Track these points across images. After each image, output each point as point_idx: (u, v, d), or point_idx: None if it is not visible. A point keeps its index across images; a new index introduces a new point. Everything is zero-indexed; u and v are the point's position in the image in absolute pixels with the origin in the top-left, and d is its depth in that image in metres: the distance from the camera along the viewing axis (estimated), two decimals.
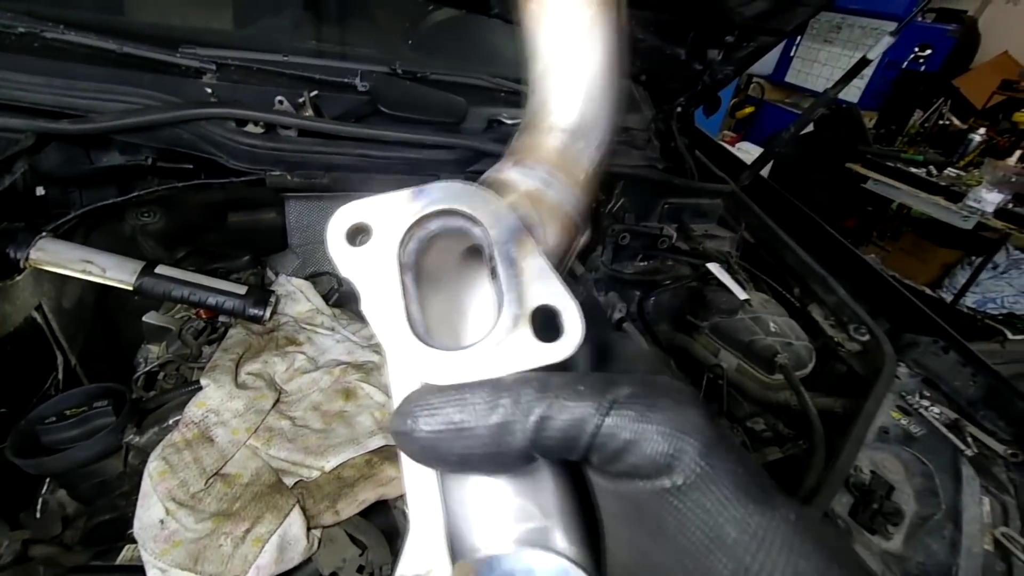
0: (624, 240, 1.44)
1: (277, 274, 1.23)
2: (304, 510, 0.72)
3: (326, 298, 1.21)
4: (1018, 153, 4.03)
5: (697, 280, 1.45)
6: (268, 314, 0.99)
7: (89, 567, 0.65)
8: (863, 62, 1.51)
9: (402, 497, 0.80)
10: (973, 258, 4.14)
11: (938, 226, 4.01)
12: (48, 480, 0.78)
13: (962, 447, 1.02)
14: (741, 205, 1.73)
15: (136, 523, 0.66)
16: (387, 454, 0.82)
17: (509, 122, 1.49)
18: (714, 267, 1.43)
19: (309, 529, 0.71)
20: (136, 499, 0.75)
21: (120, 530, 0.74)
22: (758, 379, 1.28)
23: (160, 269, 0.96)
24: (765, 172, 1.91)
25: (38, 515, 0.75)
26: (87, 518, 0.76)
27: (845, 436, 1.02)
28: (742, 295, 1.39)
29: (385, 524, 0.80)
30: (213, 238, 1.38)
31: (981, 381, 1.17)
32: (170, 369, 0.91)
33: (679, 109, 1.80)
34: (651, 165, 1.58)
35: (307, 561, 0.70)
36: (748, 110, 5.98)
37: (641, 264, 1.51)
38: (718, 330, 1.34)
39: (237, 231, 1.39)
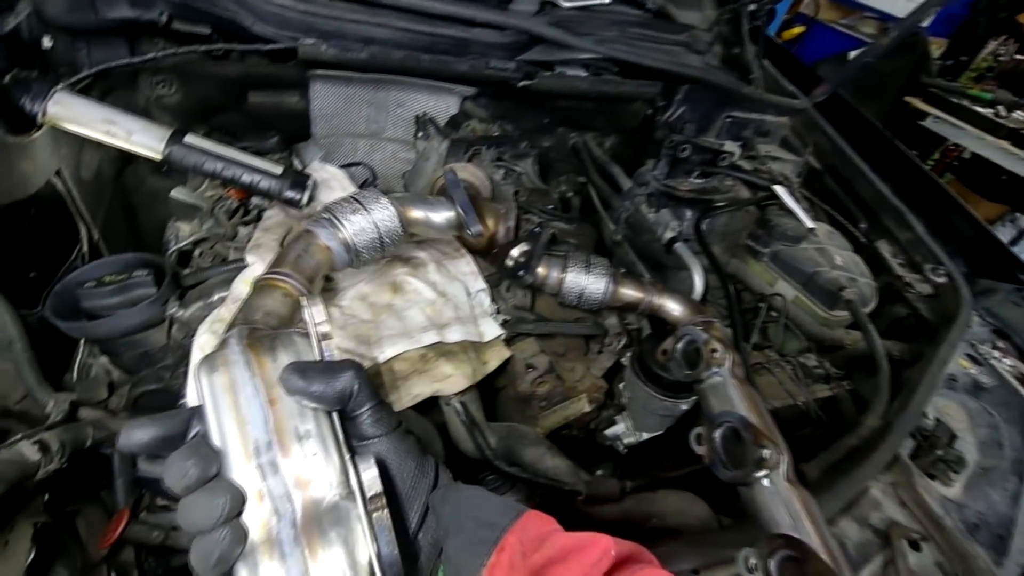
0: (684, 152, 1.37)
1: (303, 164, 1.18)
2: None
3: (361, 186, 1.16)
4: None
5: (758, 204, 1.39)
6: (306, 198, 0.95)
7: (135, 405, 0.66)
8: None
9: (457, 395, 0.81)
10: (1018, 215, 4.00)
11: (986, 176, 3.83)
12: (84, 343, 0.78)
13: None
14: (811, 125, 1.63)
15: (188, 394, 0.66)
16: (442, 350, 0.81)
17: (565, 5, 1.37)
18: (781, 190, 1.37)
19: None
20: (182, 371, 0.75)
21: (164, 400, 0.75)
22: (816, 313, 1.26)
23: (190, 139, 0.90)
24: None
25: (77, 376, 0.75)
26: (131, 387, 0.77)
27: (911, 381, 1.01)
28: (808, 223, 1.33)
29: (439, 420, 0.82)
30: (232, 118, 1.31)
31: None
32: (205, 247, 0.88)
33: (752, 6, 1.65)
34: (712, 71, 1.47)
35: None
36: (797, 31, 5.53)
37: (697, 181, 1.44)
38: (779, 259, 1.30)
39: (257, 113, 1.32)
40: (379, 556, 0.39)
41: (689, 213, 1.40)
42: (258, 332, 0.47)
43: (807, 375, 1.20)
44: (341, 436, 0.43)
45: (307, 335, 0.47)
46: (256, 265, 0.77)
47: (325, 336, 0.45)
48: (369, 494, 0.40)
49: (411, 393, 0.76)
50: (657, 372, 0.99)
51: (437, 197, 0.88)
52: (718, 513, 0.94)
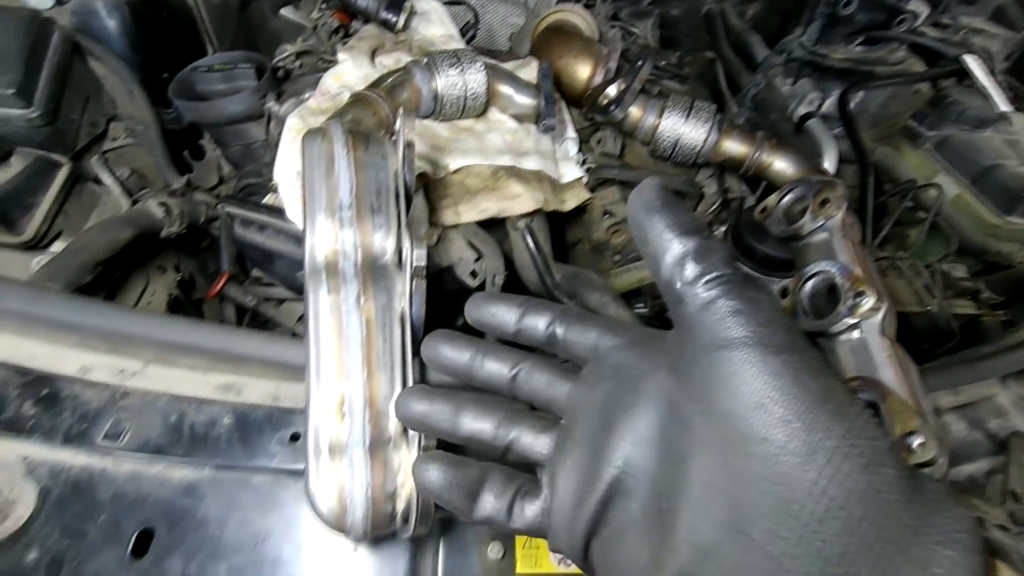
0: (848, 7, 1.17)
1: None
2: (427, 200, 0.77)
3: (462, 32, 1.16)
4: None
5: (936, 78, 1.17)
6: (402, 21, 0.98)
7: (239, 198, 0.77)
8: None
9: (523, 218, 0.83)
10: None
11: None
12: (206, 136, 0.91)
13: None
14: None
15: (276, 171, 0.75)
16: (515, 172, 0.83)
17: None
18: (972, 60, 1.14)
19: (430, 218, 0.76)
20: None
21: (264, 192, 0.86)
22: (982, 218, 1.07)
23: None
24: None
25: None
26: (237, 179, 0.89)
27: None
28: (1003, 106, 1.11)
29: (502, 239, 0.85)
30: None
31: None
32: (306, 59, 0.96)
33: None
34: None
35: None
36: None
37: (857, 49, 1.24)
38: (948, 146, 1.11)
39: None
40: (410, 311, 0.51)
41: (837, 86, 1.23)
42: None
43: (948, 286, 1.04)
44: (404, 220, 0.54)
45: (394, 141, 0.58)
46: (346, 63, 0.83)
47: (409, 144, 0.55)
48: (414, 265, 0.50)
49: (478, 207, 0.80)
50: (752, 244, 0.92)
51: (527, 82, 0.89)
52: None
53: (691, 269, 0.27)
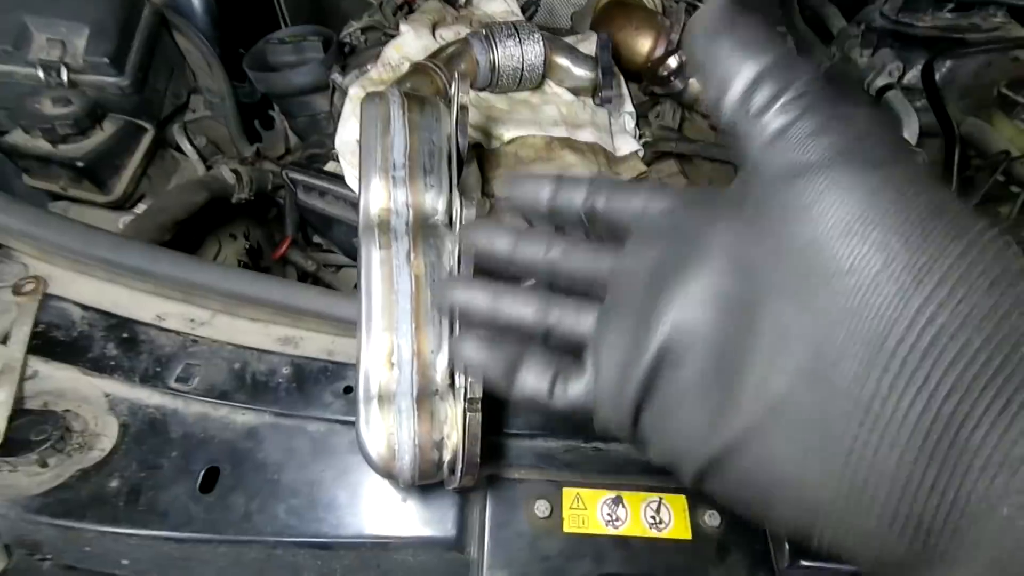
0: None
1: None
2: (480, 171, 0.76)
3: (523, 9, 1.13)
4: None
5: None
6: None
7: (302, 164, 0.79)
8: None
9: None
10: None
11: None
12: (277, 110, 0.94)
13: None
14: None
15: (337, 139, 0.76)
16: (568, 143, 0.80)
17: None
18: None
19: (483, 188, 0.75)
20: None
21: (327, 161, 0.87)
22: None
23: None
24: None
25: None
26: (302, 150, 0.91)
27: None
28: None
29: None
30: None
31: None
32: (370, 35, 0.96)
33: None
34: None
35: None
36: None
37: (947, 16, 1.12)
38: None
39: None
40: (458, 270, 0.47)
41: (921, 56, 1.11)
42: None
43: None
44: (455, 180, 0.53)
45: (448, 104, 0.57)
46: (407, 35, 0.82)
47: (463, 107, 0.54)
48: (464, 225, 0.48)
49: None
50: None
51: (585, 55, 0.85)
52: None
53: (764, 92, 0.20)
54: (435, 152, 0.55)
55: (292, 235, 0.81)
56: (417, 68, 0.73)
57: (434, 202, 0.53)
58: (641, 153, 0.89)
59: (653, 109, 0.99)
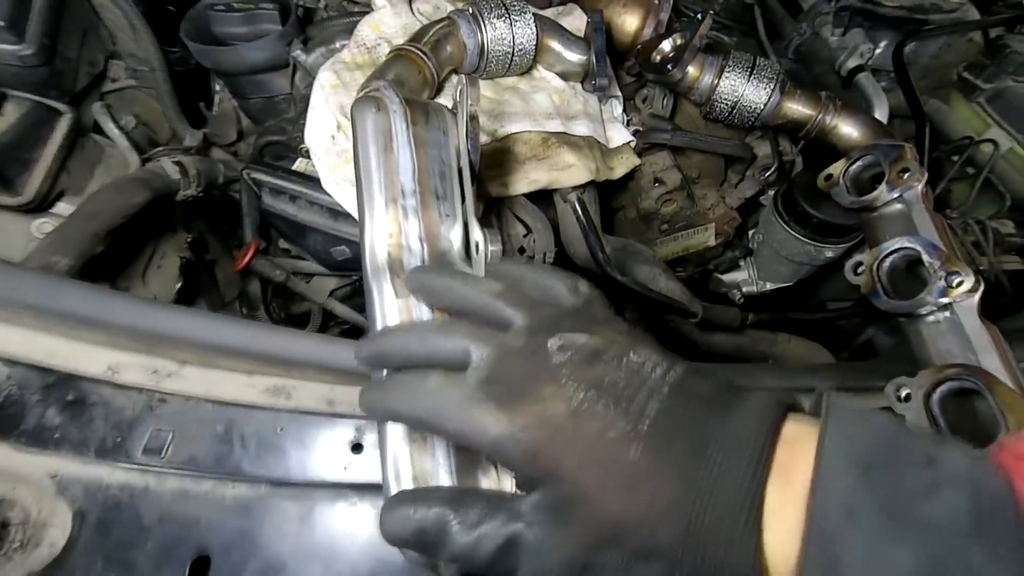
0: None
1: None
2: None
3: None
4: None
5: (991, 26, 1.06)
6: None
7: (269, 164, 0.66)
8: None
9: (575, 189, 0.73)
10: None
11: None
12: (217, 82, 0.78)
13: None
14: None
15: (308, 132, 0.64)
16: (566, 140, 0.72)
17: None
18: None
19: (475, 189, 0.67)
20: (303, 123, 0.73)
21: (290, 154, 0.75)
22: None
23: None
24: None
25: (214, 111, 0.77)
26: (257, 136, 0.78)
27: None
28: None
29: (553, 214, 0.76)
30: None
31: None
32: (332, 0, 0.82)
33: None
34: None
35: None
36: None
37: None
38: (1003, 98, 1.01)
39: None
40: None
41: (890, 36, 1.10)
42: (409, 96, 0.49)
43: (997, 243, 0.97)
44: (472, 207, 0.45)
45: (454, 112, 0.49)
46: (384, 10, 0.69)
47: (473, 117, 0.46)
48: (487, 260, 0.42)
49: (528, 178, 0.70)
50: (806, 209, 0.84)
51: (577, 37, 0.76)
52: None
53: None
54: (445, 173, 0.47)
55: (256, 241, 0.69)
56: (400, 54, 0.61)
57: (448, 234, 0.45)
58: (633, 144, 0.83)
59: (639, 93, 0.92)
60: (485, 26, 0.68)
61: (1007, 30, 1.08)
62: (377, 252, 0.41)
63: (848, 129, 0.80)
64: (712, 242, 0.87)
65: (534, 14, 0.71)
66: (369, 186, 0.43)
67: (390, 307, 0.39)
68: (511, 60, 0.72)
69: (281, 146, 0.77)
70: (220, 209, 0.91)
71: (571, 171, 0.71)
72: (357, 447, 0.45)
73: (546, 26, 0.74)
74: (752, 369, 0.69)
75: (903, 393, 0.50)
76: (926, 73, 1.11)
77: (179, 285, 0.85)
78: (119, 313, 0.43)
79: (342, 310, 0.75)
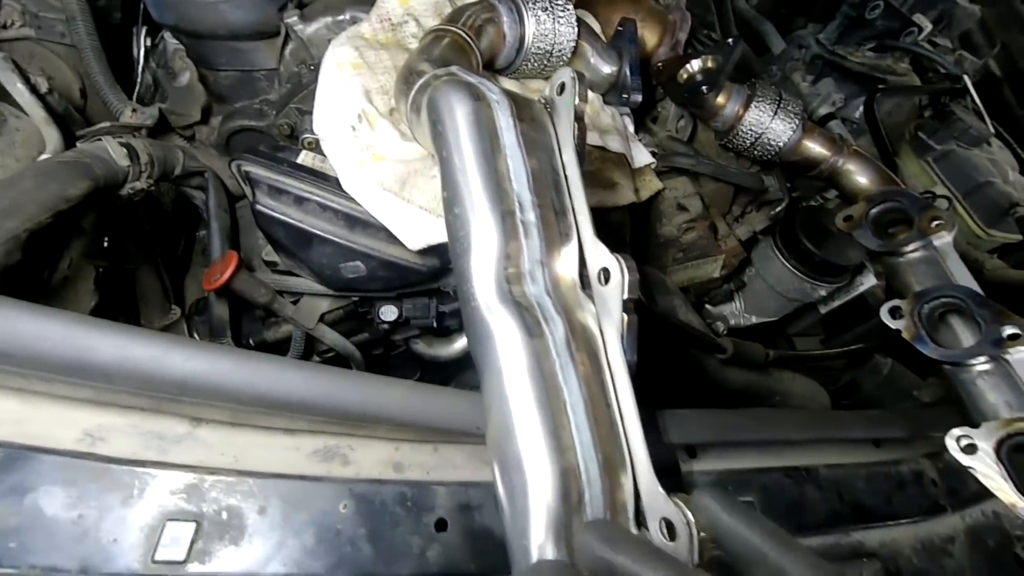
0: (873, 12, 1.15)
1: None
2: None
3: None
4: None
5: (942, 94, 1.20)
6: None
7: (268, 155, 0.53)
8: None
9: (622, 210, 0.69)
10: None
11: None
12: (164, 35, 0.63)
13: None
14: (1009, 20, 1.39)
15: (318, 121, 0.53)
16: (605, 156, 0.68)
17: None
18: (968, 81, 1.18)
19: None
20: (293, 108, 0.61)
21: (259, 142, 0.61)
22: (968, 229, 1.13)
23: None
24: None
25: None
26: (225, 118, 0.64)
27: None
28: (990, 127, 1.17)
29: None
30: None
31: None
32: None
33: None
34: None
35: None
36: None
37: (870, 54, 1.23)
38: (948, 160, 1.14)
39: None
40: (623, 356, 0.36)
41: (854, 90, 1.21)
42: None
43: None
44: (591, 223, 0.39)
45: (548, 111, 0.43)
46: None
47: (580, 117, 0.41)
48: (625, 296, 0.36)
49: None
50: (808, 247, 0.87)
51: (611, 47, 0.74)
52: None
53: None
54: (559, 183, 0.40)
55: (234, 254, 0.54)
56: (441, 35, 0.53)
57: (570, 258, 0.38)
58: (653, 165, 0.80)
59: (650, 113, 0.91)
60: (528, 17, 0.61)
61: (950, 98, 1.23)
62: (488, 276, 0.34)
63: (859, 175, 0.83)
64: (717, 274, 0.87)
65: (578, 14, 0.67)
66: (470, 195, 0.36)
67: (523, 349, 0.32)
68: (547, 61, 0.66)
69: (254, 136, 0.63)
70: (152, 205, 0.74)
71: (618, 190, 0.67)
72: (442, 523, 0.36)
73: (583, 28, 0.70)
74: (812, 417, 0.70)
75: (963, 444, 0.51)
76: (885, 126, 1.23)
77: (94, 303, 0.68)
78: (101, 350, 0.30)
79: (333, 337, 0.62)
